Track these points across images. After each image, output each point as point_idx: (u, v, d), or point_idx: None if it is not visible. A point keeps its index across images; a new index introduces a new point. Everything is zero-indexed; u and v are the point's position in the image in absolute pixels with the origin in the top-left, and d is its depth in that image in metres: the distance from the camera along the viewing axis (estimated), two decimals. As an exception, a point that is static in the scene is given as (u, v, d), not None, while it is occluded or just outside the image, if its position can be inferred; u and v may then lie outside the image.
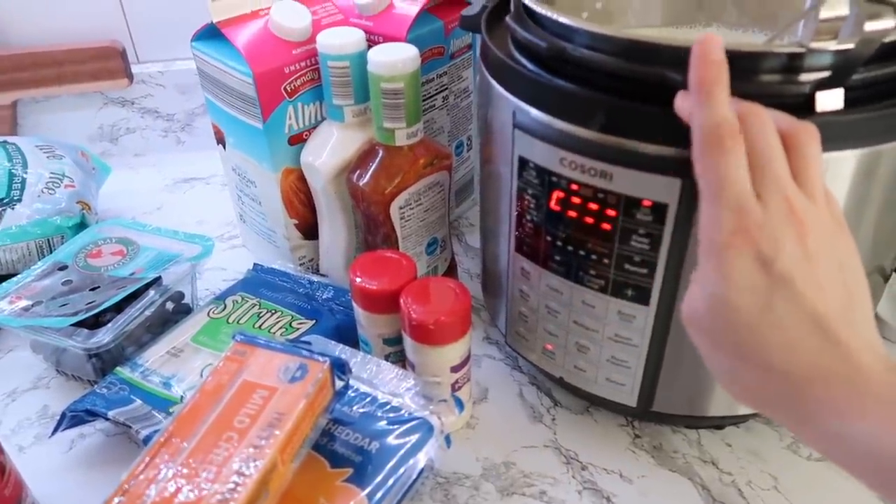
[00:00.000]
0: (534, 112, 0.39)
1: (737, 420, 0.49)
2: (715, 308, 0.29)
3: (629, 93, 0.35)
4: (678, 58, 0.34)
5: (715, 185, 0.30)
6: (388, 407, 0.44)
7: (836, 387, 0.28)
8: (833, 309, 0.29)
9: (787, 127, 0.30)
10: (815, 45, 0.32)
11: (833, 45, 0.32)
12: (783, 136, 0.30)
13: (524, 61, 0.41)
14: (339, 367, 0.43)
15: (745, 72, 0.34)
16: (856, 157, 0.35)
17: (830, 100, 0.33)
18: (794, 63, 0.33)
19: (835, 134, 0.33)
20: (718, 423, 0.49)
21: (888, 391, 0.27)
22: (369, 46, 0.51)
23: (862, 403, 0.27)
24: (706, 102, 0.30)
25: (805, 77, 0.33)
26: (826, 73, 0.33)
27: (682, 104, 0.32)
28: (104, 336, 0.50)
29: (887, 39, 0.33)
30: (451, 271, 0.62)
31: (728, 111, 0.30)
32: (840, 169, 0.35)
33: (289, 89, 0.55)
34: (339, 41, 0.52)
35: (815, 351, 0.28)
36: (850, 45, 0.32)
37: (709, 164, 0.30)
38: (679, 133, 0.32)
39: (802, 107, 0.33)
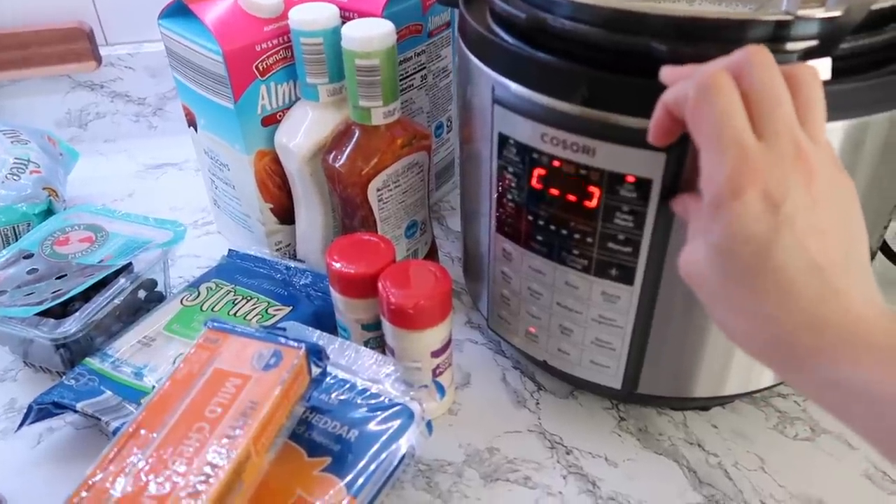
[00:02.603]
0: (514, 86, 0.38)
1: (722, 401, 0.48)
2: (716, 257, 0.29)
3: (612, 65, 0.34)
4: (664, 28, 0.33)
5: (711, 129, 0.28)
6: (367, 393, 0.43)
7: (834, 335, 0.28)
8: (834, 257, 0.28)
9: (788, 69, 0.29)
10: (802, 12, 0.31)
11: (820, 13, 0.31)
12: (785, 79, 0.29)
13: (503, 34, 0.39)
14: (316, 354, 0.42)
15: (731, 41, 0.32)
16: (843, 129, 0.34)
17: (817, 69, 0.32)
18: (780, 31, 0.32)
19: (822, 105, 0.32)
20: (704, 405, 0.49)
21: (885, 339, 0.27)
22: (343, 22, 0.49)
23: (859, 351, 0.27)
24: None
25: (792, 46, 0.32)
26: (813, 42, 0.32)
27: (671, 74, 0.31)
28: (71, 326, 0.48)
29: (875, 7, 0.32)
30: (432, 255, 0.61)
31: (720, 65, 0.29)
32: (827, 141, 0.34)
33: (261, 68, 0.53)
34: (311, 17, 0.50)
35: (814, 299, 0.28)
36: (838, 13, 0.31)
37: (703, 111, 0.29)
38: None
39: (789, 77, 0.32)
